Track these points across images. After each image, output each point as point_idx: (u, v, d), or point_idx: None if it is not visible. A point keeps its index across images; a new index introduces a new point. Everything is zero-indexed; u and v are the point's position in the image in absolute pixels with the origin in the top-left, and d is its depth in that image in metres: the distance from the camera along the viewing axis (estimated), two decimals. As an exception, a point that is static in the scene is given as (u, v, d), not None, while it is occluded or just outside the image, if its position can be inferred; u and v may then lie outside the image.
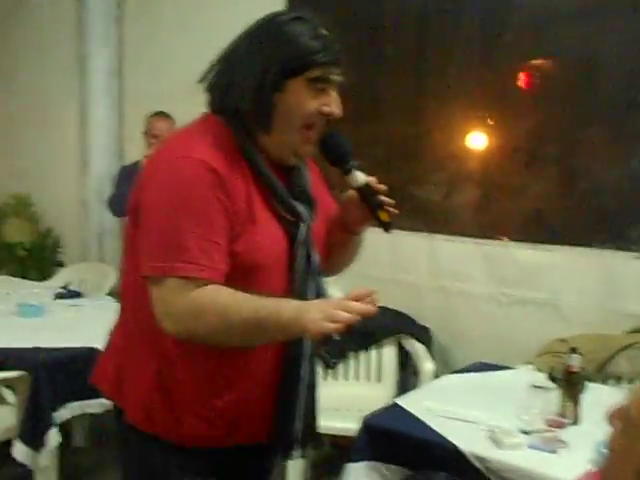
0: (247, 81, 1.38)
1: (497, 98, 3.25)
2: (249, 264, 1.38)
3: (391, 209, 1.47)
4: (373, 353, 3.34)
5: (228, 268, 1.37)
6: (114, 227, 4.39)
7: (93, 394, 2.58)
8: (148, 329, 1.44)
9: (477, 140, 3.35)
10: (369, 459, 2.09)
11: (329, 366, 3.26)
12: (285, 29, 1.39)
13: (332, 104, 1.42)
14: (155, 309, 1.36)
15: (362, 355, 3.34)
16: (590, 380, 2.26)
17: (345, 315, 1.28)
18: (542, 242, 3.09)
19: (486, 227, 3.27)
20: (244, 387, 1.47)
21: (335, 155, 1.48)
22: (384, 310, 3.36)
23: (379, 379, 3.32)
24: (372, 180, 1.48)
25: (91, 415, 2.87)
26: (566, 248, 3.04)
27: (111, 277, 3.93)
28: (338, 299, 1.35)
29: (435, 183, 3.44)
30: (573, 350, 2.14)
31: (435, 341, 3.30)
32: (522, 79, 3.21)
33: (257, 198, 1.41)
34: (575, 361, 2.12)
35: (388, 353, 3.32)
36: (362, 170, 1.47)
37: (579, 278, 3.01)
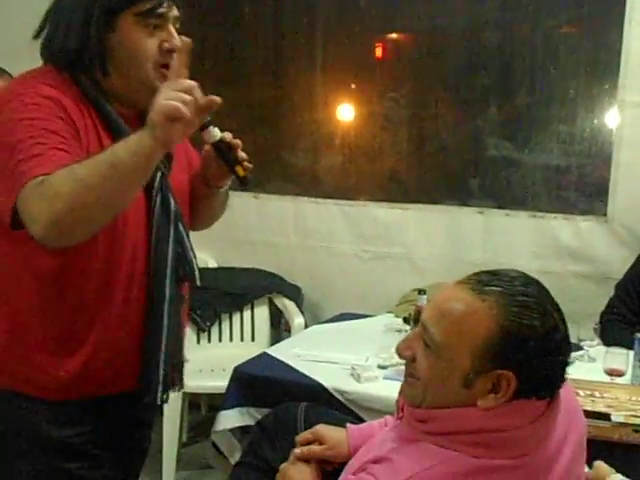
0: (72, 20, 1.35)
1: (354, 67, 3.43)
2: None
3: (247, 163, 1.47)
4: (246, 314, 3.42)
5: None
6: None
7: None
8: None
9: (337, 106, 3.48)
10: (240, 405, 2.21)
11: (202, 329, 3.30)
12: None
13: (171, 38, 1.38)
14: (29, 229, 1.27)
15: (235, 316, 3.41)
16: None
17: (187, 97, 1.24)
18: (397, 201, 3.33)
19: (347, 189, 3.47)
20: (105, 335, 1.46)
21: None
22: (255, 271, 3.50)
23: (253, 338, 3.41)
24: (227, 135, 1.46)
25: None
26: (418, 205, 3.29)
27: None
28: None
29: (299, 148, 3.58)
30: (421, 292, 2.41)
31: (305, 298, 3.45)
32: (378, 49, 3.42)
33: (108, 144, 1.34)
34: (424, 301, 2.38)
35: (261, 313, 3.43)
36: (217, 126, 1.44)
37: (430, 233, 3.26)
